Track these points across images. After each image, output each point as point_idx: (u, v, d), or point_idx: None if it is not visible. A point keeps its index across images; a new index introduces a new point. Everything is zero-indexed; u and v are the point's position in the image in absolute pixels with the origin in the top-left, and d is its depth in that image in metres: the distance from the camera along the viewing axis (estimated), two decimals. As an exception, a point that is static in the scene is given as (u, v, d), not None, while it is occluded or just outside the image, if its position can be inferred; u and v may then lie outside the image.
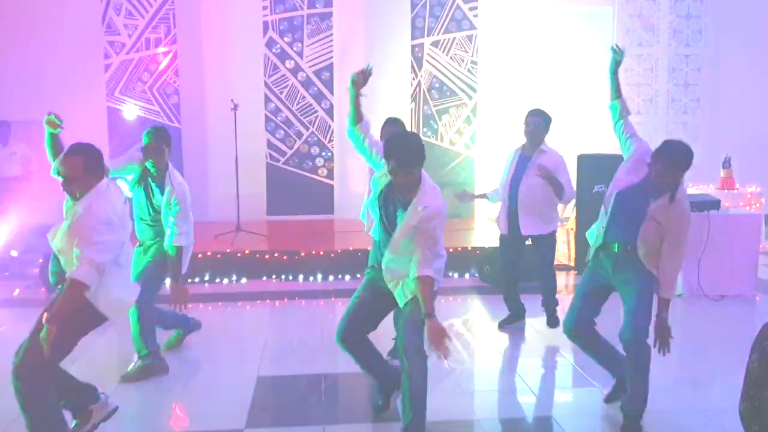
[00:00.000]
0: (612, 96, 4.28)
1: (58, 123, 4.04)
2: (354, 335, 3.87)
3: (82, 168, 3.44)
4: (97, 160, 3.51)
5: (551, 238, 5.63)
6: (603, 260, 3.96)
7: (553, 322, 5.68)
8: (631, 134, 4.11)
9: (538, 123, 5.41)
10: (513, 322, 5.83)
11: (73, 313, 3.41)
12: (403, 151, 3.47)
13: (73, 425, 3.71)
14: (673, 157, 3.65)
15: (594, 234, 4.07)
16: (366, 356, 3.95)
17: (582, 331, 4.03)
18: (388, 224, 3.71)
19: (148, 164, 4.77)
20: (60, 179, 3.49)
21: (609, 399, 4.22)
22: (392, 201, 3.66)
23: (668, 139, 3.85)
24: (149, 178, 4.83)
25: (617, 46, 4.34)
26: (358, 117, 4.07)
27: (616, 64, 4.31)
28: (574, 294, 4.16)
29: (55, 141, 4.11)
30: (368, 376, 4.10)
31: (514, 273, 5.73)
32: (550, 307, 5.70)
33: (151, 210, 4.86)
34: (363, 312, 3.87)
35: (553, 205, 5.57)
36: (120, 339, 5.34)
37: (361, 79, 4.04)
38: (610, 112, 4.29)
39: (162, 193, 4.75)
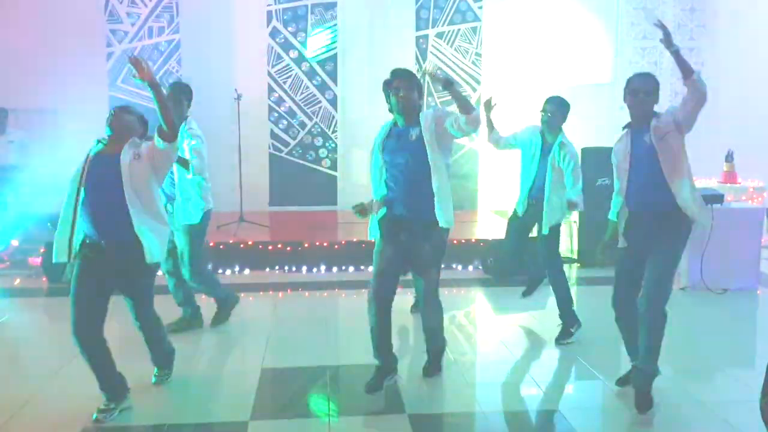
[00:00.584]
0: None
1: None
2: (388, 294, 4.18)
3: (136, 128, 3.96)
4: (144, 125, 4.07)
5: (558, 227, 5.45)
6: (635, 233, 4.03)
7: (563, 336, 5.36)
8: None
9: (554, 111, 5.36)
10: (534, 289, 5.79)
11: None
12: (403, 72, 4.09)
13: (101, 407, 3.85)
14: (634, 82, 3.94)
15: (616, 214, 4.16)
16: (386, 324, 4.23)
17: (626, 306, 4.09)
18: (394, 163, 4.12)
19: None
20: (108, 132, 3.87)
21: (622, 382, 4.29)
22: (395, 140, 4.12)
23: (629, 76, 4.05)
24: None
25: (658, 20, 4.03)
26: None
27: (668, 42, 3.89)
28: (615, 276, 4.20)
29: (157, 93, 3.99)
30: (374, 341, 4.22)
31: (520, 248, 5.64)
32: (566, 320, 5.40)
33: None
34: (393, 269, 4.18)
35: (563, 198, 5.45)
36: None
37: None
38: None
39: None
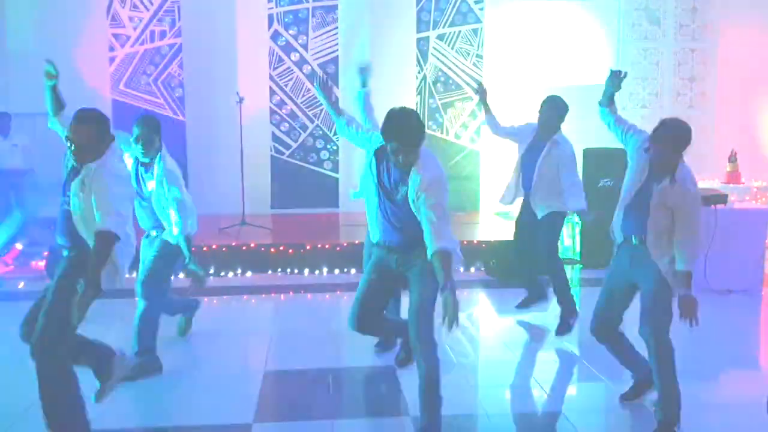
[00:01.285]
0: (603, 102, 4.20)
1: (54, 74, 4.06)
2: (366, 319, 3.88)
3: (95, 137, 3.48)
4: (107, 127, 3.59)
5: (559, 216, 5.48)
6: (623, 256, 3.91)
7: (563, 329, 5.43)
8: (629, 126, 4.08)
9: (550, 112, 5.38)
10: (531, 305, 5.75)
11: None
12: (406, 132, 3.43)
13: (96, 390, 3.76)
14: (669, 136, 3.65)
15: (615, 229, 4.02)
16: (381, 329, 4.12)
17: (604, 332, 3.99)
18: (384, 190, 3.62)
19: (138, 151, 4.61)
20: (70, 146, 3.51)
21: (625, 397, 4.18)
22: (386, 167, 3.59)
23: (665, 118, 3.80)
24: (139, 166, 4.71)
25: (620, 71, 4.14)
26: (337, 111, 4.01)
27: (610, 94, 4.10)
28: (599, 295, 4.09)
29: (54, 94, 4.12)
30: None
31: (528, 252, 5.62)
32: (564, 308, 5.47)
33: (143, 195, 4.72)
34: (373, 295, 3.85)
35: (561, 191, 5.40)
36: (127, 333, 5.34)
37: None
38: (600, 116, 4.25)
39: (152, 177, 4.64)
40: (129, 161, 4.61)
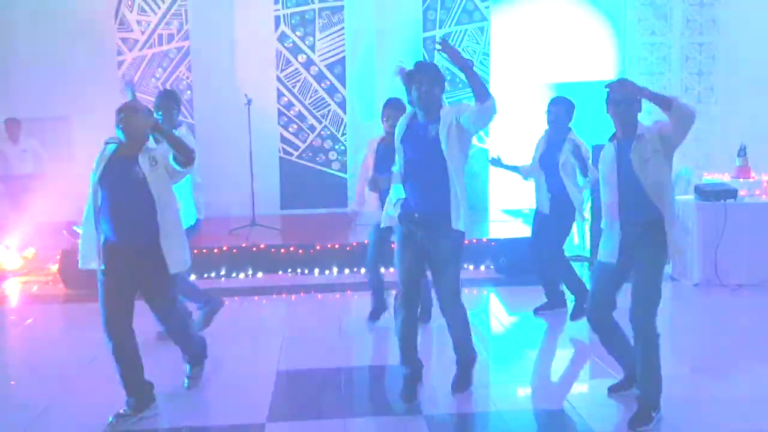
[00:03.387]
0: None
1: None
2: (415, 302, 4.21)
3: (147, 129, 3.87)
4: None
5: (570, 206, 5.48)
6: (622, 247, 3.89)
7: (576, 313, 5.52)
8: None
9: (558, 112, 5.40)
10: (549, 310, 5.78)
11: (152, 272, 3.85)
12: (429, 67, 4.04)
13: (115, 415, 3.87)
14: (614, 91, 3.76)
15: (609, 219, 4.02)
16: (414, 331, 4.24)
17: (599, 318, 4.01)
18: (414, 145, 4.00)
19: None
20: (121, 137, 3.83)
21: (613, 389, 4.21)
22: (413, 135, 4.01)
23: (607, 84, 3.84)
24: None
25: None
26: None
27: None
28: (590, 295, 4.11)
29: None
30: (402, 349, 4.18)
31: (538, 244, 5.67)
32: (577, 294, 5.55)
33: None
34: (415, 276, 4.15)
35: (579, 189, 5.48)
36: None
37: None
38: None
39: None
40: None
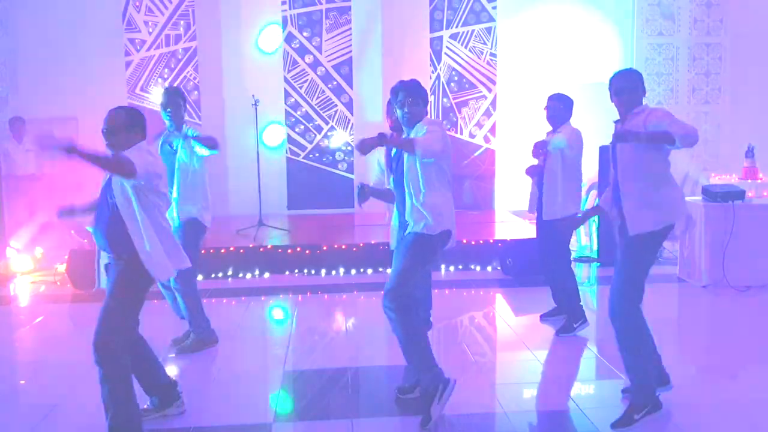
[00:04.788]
0: None
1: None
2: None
3: (124, 120, 3.60)
4: (139, 120, 3.68)
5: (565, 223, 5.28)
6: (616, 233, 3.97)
7: (566, 328, 5.41)
8: None
9: (556, 107, 5.38)
10: (556, 315, 5.69)
11: (127, 280, 3.58)
12: (412, 85, 3.99)
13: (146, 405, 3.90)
14: (617, 82, 3.80)
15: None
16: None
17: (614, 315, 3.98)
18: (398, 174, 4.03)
19: (165, 117, 5.04)
20: (103, 130, 3.62)
21: (626, 390, 4.20)
22: (398, 152, 4.02)
23: (612, 76, 3.88)
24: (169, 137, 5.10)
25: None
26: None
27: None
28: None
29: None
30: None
31: (543, 247, 5.57)
32: (570, 309, 5.43)
33: (178, 170, 5.00)
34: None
35: (571, 190, 5.36)
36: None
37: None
38: None
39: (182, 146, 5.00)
40: None
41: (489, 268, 7.60)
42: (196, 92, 9.38)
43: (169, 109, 4.99)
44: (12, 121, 8.82)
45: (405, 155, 3.93)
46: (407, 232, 3.98)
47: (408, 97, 3.95)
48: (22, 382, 4.74)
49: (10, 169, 8.73)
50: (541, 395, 4.46)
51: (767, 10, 10.05)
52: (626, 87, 3.78)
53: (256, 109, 8.50)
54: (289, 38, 9.54)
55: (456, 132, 9.74)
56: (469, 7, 9.69)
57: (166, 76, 9.33)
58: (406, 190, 3.96)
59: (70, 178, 8.03)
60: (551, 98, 5.42)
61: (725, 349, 5.15)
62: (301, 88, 9.61)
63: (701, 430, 3.82)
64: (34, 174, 8.79)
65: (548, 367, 4.94)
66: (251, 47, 9.88)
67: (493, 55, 9.76)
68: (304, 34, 9.56)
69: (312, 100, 9.64)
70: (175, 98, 5.04)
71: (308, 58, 9.58)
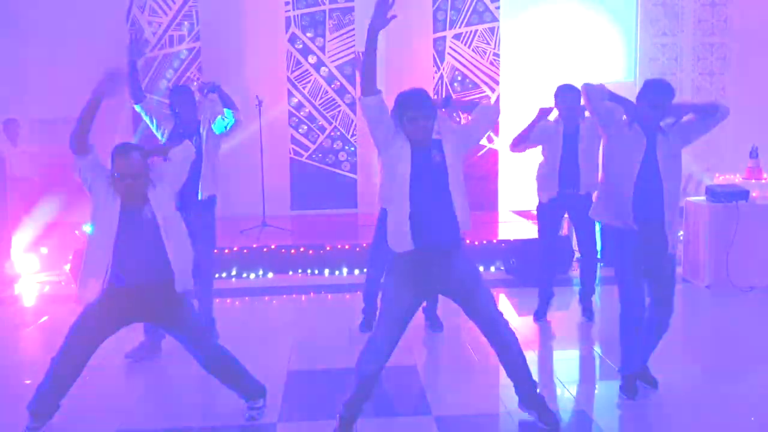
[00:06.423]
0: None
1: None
2: None
3: (140, 162, 3.71)
4: (148, 148, 3.90)
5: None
6: (640, 239, 4.05)
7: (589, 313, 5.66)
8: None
9: (574, 98, 5.35)
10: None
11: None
12: (423, 99, 3.73)
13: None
14: (655, 96, 4.07)
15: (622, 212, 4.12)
16: None
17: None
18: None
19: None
20: (123, 179, 3.64)
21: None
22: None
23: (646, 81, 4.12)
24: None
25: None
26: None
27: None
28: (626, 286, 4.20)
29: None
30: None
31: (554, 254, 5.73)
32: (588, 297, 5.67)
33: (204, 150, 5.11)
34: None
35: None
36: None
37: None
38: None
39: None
40: None
41: (492, 269, 7.60)
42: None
43: (177, 110, 4.94)
44: (6, 123, 8.80)
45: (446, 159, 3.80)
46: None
47: (421, 112, 3.67)
48: (28, 381, 4.74)
49: (4, 170, 8.70)
50: (545, 396, 4.45)
51: (771, 9, 10.04)
52: (662, 103, 3.98)
53: (259, 109, 8.51)
54: (292, 39, 9.55)
55: (459, 132, 9.72)
56: (472, 7, 9.69)
57: (169, 76, 9.34)
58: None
59: (65, 180, 8.04)
60: (565, 89, 5.41)
61: (729, 350, 5.14)
62: (304, 88, 9.62)
63: (704, 430, 3.82)
64: (27, 177, 8.74)
65: (552, 367, 4.94)
66: (255, 48, 9.88)
67: (496, 55, 9.76)
68: (308, 34, 9.57)
69: (315, 101, 9.65)
70: (185, 97, 5.01)
71: (311, 59, 9.59)
